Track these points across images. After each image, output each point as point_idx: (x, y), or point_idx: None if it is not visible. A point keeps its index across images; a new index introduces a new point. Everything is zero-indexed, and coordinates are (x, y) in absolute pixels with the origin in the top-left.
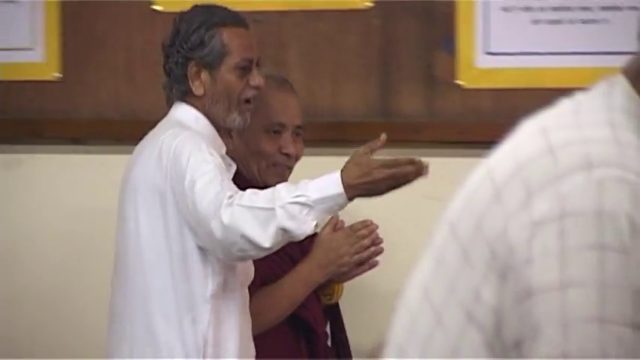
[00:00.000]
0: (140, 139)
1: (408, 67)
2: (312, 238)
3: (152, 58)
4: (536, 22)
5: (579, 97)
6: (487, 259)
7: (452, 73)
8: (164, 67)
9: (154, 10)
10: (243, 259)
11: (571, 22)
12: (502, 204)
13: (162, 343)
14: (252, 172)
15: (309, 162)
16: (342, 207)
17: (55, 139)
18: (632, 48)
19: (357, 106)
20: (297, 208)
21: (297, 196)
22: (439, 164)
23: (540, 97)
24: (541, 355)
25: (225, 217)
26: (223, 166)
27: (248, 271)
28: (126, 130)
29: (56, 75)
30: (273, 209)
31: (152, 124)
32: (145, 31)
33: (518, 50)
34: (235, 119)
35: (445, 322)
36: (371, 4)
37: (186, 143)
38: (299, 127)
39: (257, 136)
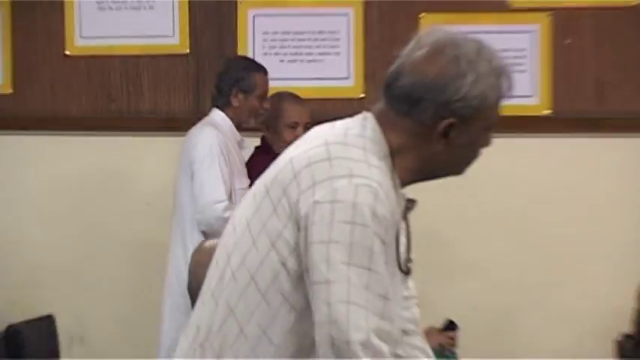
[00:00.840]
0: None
1: None
2: None
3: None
4: None
5: (347, 123)
6: (287, 214)
7: None
8: (216, 86)
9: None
10: (203, 234)
11: None
12: (297, 184)
13: (190, 248)
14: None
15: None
16: None
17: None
18: None
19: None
20: None
21: None
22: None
23: None
24: (314, 279)
25: (226, 213)
26: (225, 168)
27: None
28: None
29: (10, 90)
30: None
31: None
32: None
33: None
34: (251, 122)
35: (257, 246)
36: None
37: (206, 142)
38: (308, 123)
39: (282, 130)
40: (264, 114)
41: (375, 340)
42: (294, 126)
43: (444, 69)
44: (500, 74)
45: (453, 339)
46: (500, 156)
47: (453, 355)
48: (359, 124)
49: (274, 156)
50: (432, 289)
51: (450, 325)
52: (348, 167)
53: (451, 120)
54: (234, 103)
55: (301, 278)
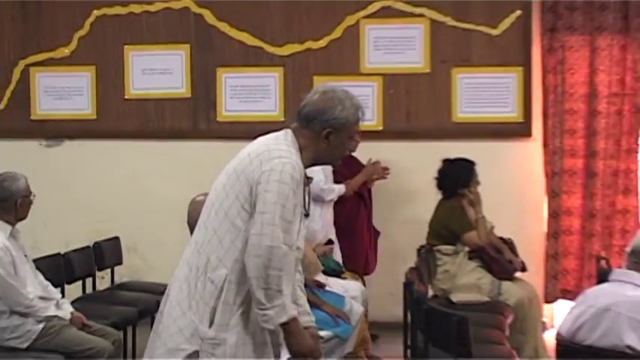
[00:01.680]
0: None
1: None
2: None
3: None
4: None
5: (277, 134)
6: (245, 181)
7: None
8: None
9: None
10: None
11: None
12: (252, 165)
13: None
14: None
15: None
16: None
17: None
18: None
19: None
20: None
21: None
22: None
23: None
24: (257, 211)
25: (325, 186)
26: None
27: None
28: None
29: (95, 117)
30: None
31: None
32: (123, 106)
33: None
34: None
35: (229, 197)
36: None
37: None
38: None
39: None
40: None
41: (283, 246)
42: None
43: (325, 103)
44: (357, 108)
45: (331, 250)
46: (360, 153)
47: (332, 258)
48: (283, 133)
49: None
50: None
51: (330, 241)
52: (279, 153)
53: (329, 129)
54: None
55: (251, 215)
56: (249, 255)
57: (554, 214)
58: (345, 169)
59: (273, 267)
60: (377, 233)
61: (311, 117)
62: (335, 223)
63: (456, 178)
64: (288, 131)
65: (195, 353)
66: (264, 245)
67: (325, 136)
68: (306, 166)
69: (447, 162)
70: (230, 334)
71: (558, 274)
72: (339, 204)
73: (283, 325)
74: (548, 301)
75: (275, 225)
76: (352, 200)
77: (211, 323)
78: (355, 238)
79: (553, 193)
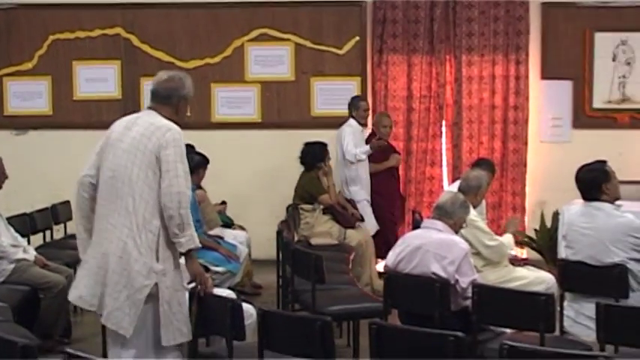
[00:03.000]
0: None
1: None
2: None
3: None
4: None
5: (145, 114)
6: (150, 153)
7: None
8: (349, 108)
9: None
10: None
11: None
12: (150, 140)
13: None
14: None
15: None
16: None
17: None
18: None
19: None
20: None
21: None
22: None
23: None
24: (164, 170)
25: (357, 157)
26: (353, 140)
27: None
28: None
29: (51, 113)
30: None
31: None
32: (72, 106)
33: None
34: (362, 121)
35: (141, 169)
36: None
37: (347, 131)
38: (391, 126)
39: (381, 128)
40: (367, 115)
41: (187, 190)
42: (385, 126)
43: (176, 83)
44: (190, 83)
45: (225, 208)
46: (243, 140)
47: (225, 214)
48: (148, 112)
49: (378, 137)
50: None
51: (223, 202)
52: (166, 126)
53: (181, 101)
54: (354, 114)
55: (160, 176)
56: (164, 202)
57: None
58: (381, 153)
59: (182, 207)
60: (403, 199)
61: (169, 95)
62: (376, 192)
63: (314, 155)
64: (151, 110)
65: (155, 285)
66: (174, 192)
67: (177, 105)
68: None
69: (307, 144)
70: (167, 264)
71: None
72: (375, 178)
73: (188, 251)
74: None
75: (179, 176)
76: (387, 177)
77: (157, 259)
78: (388, 201)
79: None
